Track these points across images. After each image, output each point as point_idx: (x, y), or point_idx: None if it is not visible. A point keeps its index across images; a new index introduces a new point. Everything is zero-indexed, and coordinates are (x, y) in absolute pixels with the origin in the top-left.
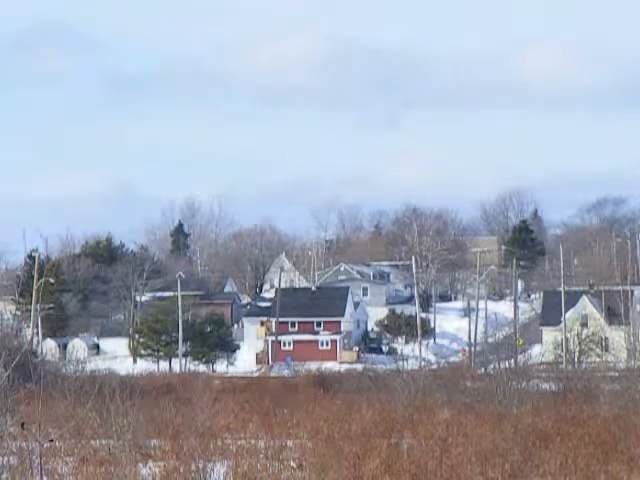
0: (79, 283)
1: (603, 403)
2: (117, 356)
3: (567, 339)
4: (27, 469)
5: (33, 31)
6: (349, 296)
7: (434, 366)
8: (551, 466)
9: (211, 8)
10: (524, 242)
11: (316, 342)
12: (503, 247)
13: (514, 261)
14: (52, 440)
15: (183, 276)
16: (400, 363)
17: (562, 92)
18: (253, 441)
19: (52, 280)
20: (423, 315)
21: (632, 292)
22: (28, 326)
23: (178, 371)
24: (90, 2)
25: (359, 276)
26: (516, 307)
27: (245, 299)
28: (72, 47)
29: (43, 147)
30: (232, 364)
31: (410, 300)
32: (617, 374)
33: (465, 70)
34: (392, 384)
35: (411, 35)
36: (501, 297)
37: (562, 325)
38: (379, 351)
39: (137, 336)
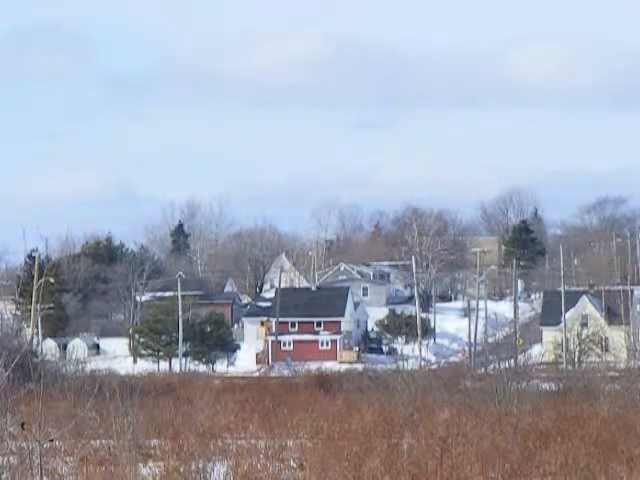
0: (79, 283)
1: (603, 403)
2: (117, 356)
3: (567, 339)
4: (27, 469)
5: (32, 31)
6: (349, 296)
7: (434, 366)
8: (551, 466)
9: (211, 8)
10: (524, 242)
11: (316, 342)
12: (503, 247)
13: (514, 261)
14: (52, 440)
15: (183, 276)
16: (400, 363)
17: (562, 92)
18: (253, 441)
19: (52, 280)
20: (423, 315)
21: (632, 292)
22: (28, 326)
23: (178, 371)
24: (89, 2)
25: (359, 276)
26: (516, 307)
27: (245, 299)
28: (72, 47)
29: (43, 147)
30: (232, 364)
31: (410, 300)
32: (617, 374)
33: (465, 70)
34: (392, 384)
35: (411, 35)
36: (501, 297)
37: (562, 325)
38: (379, 351)
39: (137, 336)
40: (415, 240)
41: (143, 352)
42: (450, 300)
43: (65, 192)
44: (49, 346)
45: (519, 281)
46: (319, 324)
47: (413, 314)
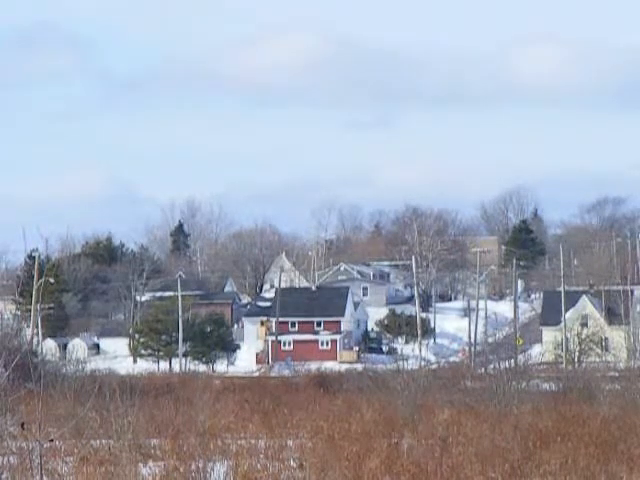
0: (79, 283)
1: (603, 403)
2: (117, 356)
3: (567, 339)
4: (27, 469)
5: (32, 31)
6: (349, 296)
7: (434, 366)
8: (551, 466)
9: (211, 8)
10: (524, 242)
11: (316, 342)
12: (503, 247)
13: (514, 261)
14: (52, 440)
15: (183, 276)
16: (400, 363)
17: (562, 92)
18: (253, 441)
19: (52, 280)
20: (423, 315)
21: (632, 292)
22: (28, 326)
23: (178, 371)
24: (89, 2)
25: (359, 276)
26: (516, 307)
27: (245, 299)
28: (72, 47)
29: (43, 147)
30: (232, 364)
31: (410, 300)
32: (617, 374)
33: (465, 70)
34: (392, 384)
35: (411, 35)
36: (501, 297)
37: (562, 325)
38: (379, 351)
39: (137, 336)
40: (415, 240)
41: (143, 352)
42: (450, 300)
43: (65, 192)
44: (49, 346)
45: (519, 281)
46: (319, 324)
47: (413, 314)
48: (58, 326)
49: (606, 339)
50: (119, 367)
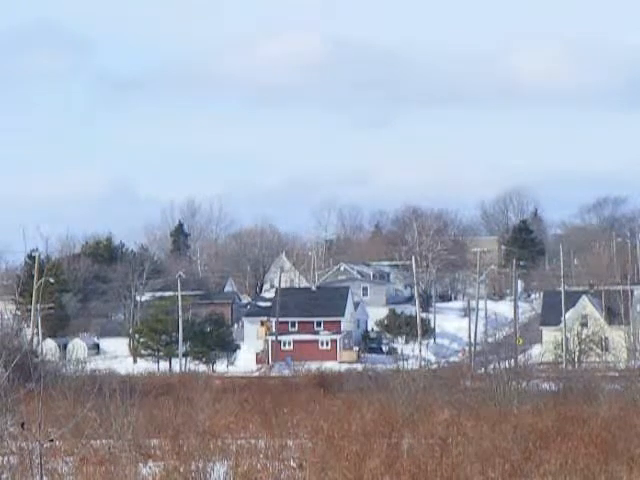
0: (79, 283)
1: (603, 403)
2: (117, 356)
3: (567, 339)
4: (27, 469)
5: (32, 31)
6: (349, 296)
7: (434, 366)
8: (551, 466)
9: (211, 8)
10: (524, 242)
11: (316, 342)
12: (503, 247)
13: (514, 261)
14: (52, 440)
15: (183, 276)
16: (400, 363)
17: (562, 92)
18: (253, 441)
19: (52, 280)
20: (423, 315)
21: (632, 292)
22: (28, 326)
23: (178, 371)
24: (89, 2)
25: (359, 276)
26: (516, 307)
27: (245, 299)
28: (72, 47)
29: (43, 147)
30: (232, 364)
31: (410, 300)
32: (617, 374)
33: (464, 69)
34: (392, 384)
35: (410, 35)
36: (501, 297)
37: (562, 325)
38: (379, 351)
39: (137, 336)
40: (415, 240)
41: (143, 352)
42: (450, 300)
43: (65, 192)
44: (49, 346)
45: (519, 281)
46: (319, 324)
47: (413, 314)
48: (58, 326)
49: (606, 339)
50: (119, 367)
